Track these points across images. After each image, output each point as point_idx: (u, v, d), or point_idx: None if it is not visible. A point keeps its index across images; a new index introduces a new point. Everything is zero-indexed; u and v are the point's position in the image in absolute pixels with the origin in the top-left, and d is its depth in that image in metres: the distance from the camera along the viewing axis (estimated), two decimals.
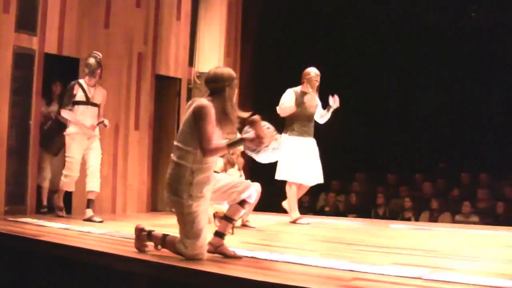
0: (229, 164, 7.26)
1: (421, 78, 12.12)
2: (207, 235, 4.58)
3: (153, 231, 4.89)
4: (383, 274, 3.97)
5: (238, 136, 4.78)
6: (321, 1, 12.22)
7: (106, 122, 7.95)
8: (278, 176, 7.97)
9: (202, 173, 4.51)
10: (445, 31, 11.82)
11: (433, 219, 10.77)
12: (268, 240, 6.38)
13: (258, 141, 4.50)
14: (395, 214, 11.12)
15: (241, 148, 5.82)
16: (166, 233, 4.82)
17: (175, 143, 4.59)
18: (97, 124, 7.85)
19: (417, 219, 10.36)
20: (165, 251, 4.67)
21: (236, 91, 4.74)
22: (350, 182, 12.92)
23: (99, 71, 7.87)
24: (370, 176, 12.92)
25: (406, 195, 11.55)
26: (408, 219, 10.59)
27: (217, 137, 4.55)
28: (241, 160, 7.47)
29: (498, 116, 11.41)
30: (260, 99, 9.77)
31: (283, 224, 7.93)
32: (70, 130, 7.77)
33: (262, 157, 4.72)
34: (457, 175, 11.94)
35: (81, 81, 7.86)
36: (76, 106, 7.76)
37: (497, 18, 11.29)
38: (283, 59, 11.81)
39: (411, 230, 7.49)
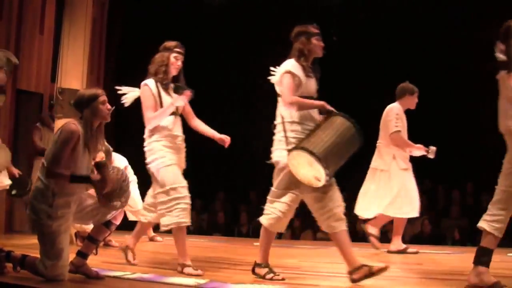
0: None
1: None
2: (69, 255, 4.49)
3: (12, 252, 4.74)
4: None
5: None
6: (182, 17, 12.29)
7: None
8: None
9: (63, 197, 4.42)
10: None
11: (295, 236, 11.02)
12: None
13: (101, 186, 4.44)
14: (258, 232, 11.27)
15: None
16: (26, 254, 4.69)
17: (43, 160, 4.50)
18: None
19: (279, 237, 10.56)
20: (25, 273, 4.53)
21: (104, 109, 4.61)
22: (212, 201, 12.98)
23: None
24: (231, 194, 13.04)
25: None
26: None
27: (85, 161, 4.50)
28: None
29: None
30: (124, 116, 9.65)
31: (145, 243, 7.86)
32: None
33: (104, 202, 4.60)
34: None
35: None
36: None
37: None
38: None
39: (274, 248, 7.61)
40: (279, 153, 4.77)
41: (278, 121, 4.85)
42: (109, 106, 4.62)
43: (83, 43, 8.83)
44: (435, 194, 11.46)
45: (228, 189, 13.04)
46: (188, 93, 5.37)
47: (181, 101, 5.35)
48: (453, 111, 10.61)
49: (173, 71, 5.50)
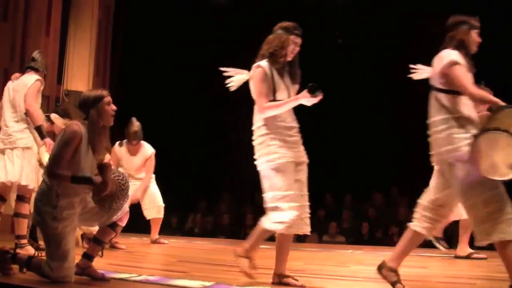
0: None
1: None
2: (74, 256, 4.50)
3: (18, 253, 4.75)
4: None
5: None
6: (183, 17, 12.33)
7: None
8: None
9: (67, 197, 4.40)
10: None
11: (301, 239, 11.01)
12: (137, 261, 6.31)
13: (101, 187, 4.42)
14: None
15: None
16: (32, 255, 4.70)
17: (48, 162, 4.51)
18: None
19: None
20: (31, 274, 4.54)
21: (110, 110, 4.61)
22: (217, 203, 12.97)
23: None
24: (237, 196, 13.02)
25: None
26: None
27: (89, 163, 4.49)
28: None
29: (359, 140, 11.82)
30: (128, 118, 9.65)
31: (151, 245, 7.87)
32: None
33: (97, 203, 4.55)
34: (322, 196, 12.30)
35: None
36: None
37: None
38: (151, 79, 11.77)
39: None
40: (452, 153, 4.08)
41: (438, 117, 4.23)
42: (114, 107, 4.62)
43: (89, 45, 8.89)
44: None
45: (233, 191, 13.01)
46: (319, 97, 4.67)
47: (307, 102, 4.71)
48: None
49: (290, 56, 4.78)
